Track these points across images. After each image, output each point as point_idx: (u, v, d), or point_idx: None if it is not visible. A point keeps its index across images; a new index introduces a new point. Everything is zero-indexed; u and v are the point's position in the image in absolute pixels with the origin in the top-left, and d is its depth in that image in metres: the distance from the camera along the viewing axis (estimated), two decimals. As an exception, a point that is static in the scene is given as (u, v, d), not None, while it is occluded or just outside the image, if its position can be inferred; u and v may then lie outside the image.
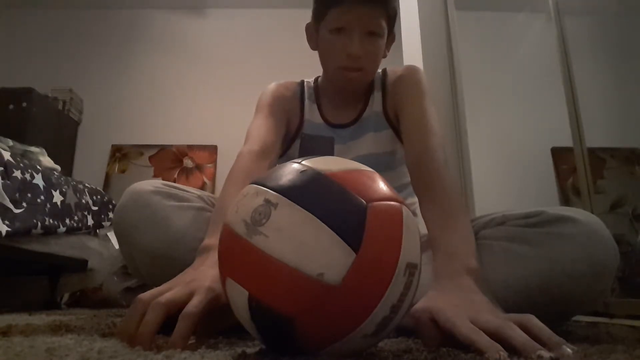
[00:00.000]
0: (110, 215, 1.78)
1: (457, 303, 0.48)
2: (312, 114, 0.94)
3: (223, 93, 3.08)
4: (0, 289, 1.65)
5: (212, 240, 0.59)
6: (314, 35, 0.90)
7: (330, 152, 0.91)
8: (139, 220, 0.73)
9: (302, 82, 0.99)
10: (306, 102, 0.95)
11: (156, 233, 0.72)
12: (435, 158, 0.72)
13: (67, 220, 1.47)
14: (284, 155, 0.94)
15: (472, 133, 1.87)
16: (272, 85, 0.96)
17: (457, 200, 0.65)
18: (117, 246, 1.57)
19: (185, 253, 0.66)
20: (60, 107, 2.83)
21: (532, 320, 0.43)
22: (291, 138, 0.94)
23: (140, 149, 2.98)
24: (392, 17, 0.86)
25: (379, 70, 0.95)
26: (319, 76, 0.99)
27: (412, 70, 0.91)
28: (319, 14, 0.86)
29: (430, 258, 0.67)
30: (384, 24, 0.83)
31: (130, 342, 0.43)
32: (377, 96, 0.93)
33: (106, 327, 0.65)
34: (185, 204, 0.76)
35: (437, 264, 0.58)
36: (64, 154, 2.80)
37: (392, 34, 0.91)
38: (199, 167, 2.95)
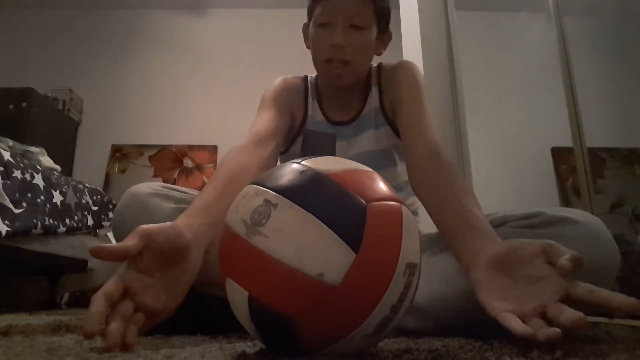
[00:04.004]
0: (110, 215, 1.78)
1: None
2: (314, 110, 0.94)
3: (223, 93, 3.08)
4: (0, 289, 1.65)
5: (182, 219, 0.58)
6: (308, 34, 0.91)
7: (332, 149, 0.90)
8: (138, 222, 0.73)
9: (306, 77, 0.98)
10: (309, 98, 0.95)
11: (155, 234, 0.72)
12: (439, 153, 0.73)
13: (67, 220, 1.47)
14: (287, 151, 0.94)
15: (472, 133, 1.86)
16: (277, 80, 0.96)
17: (466, 184, 0.68)
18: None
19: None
20: (60, 107, 2.83)
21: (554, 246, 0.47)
22: (294, 134, 0.93)
23: (140, 149, 2.98)
24: (381, 11, 0.85)
25: (375, 65, 0.94)
26: None
27: (407, 65, 0.91)
28: (309, 11, 0.88)
29: (431, 258, 0.67)
30: (370, 17, 0.83)
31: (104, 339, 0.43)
32: (374, 92, 0.92)
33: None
34: (184, 205, 0.76)
35: (478, 245, 0.55)
36: (64, 154, 2.79)
37: (387, 32, 0.90)
38: (199, 167, 2.94)
